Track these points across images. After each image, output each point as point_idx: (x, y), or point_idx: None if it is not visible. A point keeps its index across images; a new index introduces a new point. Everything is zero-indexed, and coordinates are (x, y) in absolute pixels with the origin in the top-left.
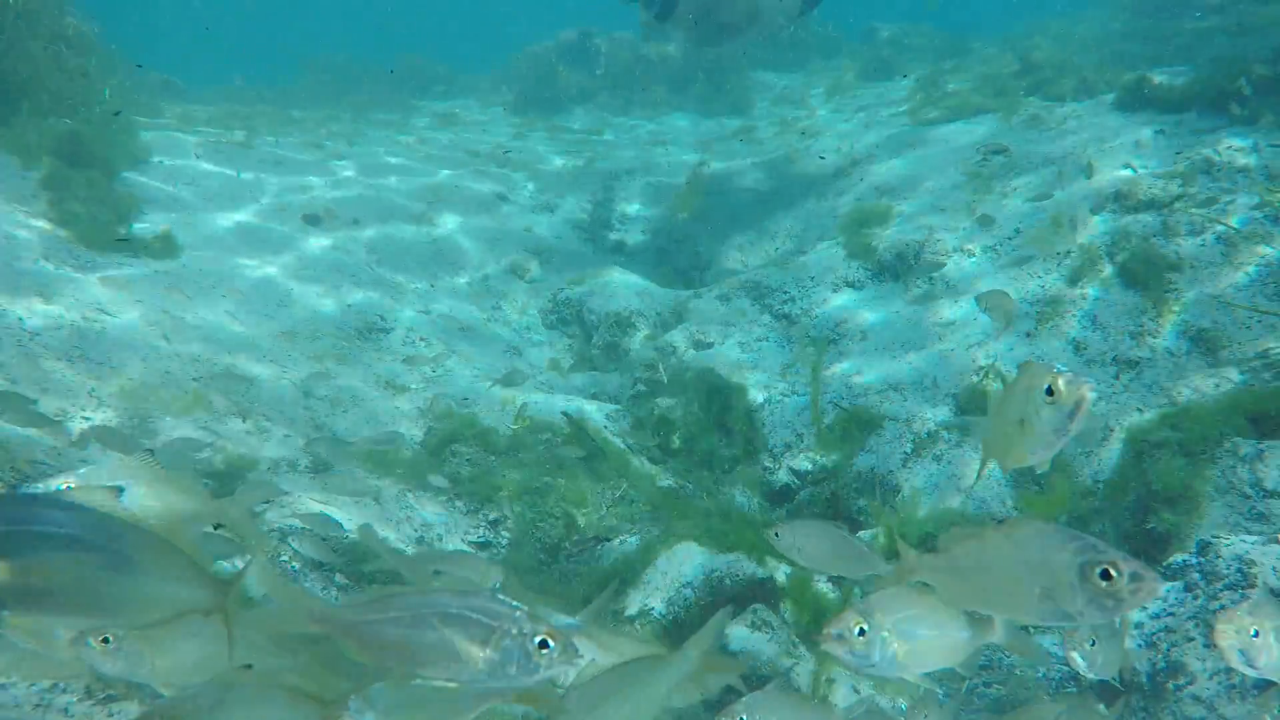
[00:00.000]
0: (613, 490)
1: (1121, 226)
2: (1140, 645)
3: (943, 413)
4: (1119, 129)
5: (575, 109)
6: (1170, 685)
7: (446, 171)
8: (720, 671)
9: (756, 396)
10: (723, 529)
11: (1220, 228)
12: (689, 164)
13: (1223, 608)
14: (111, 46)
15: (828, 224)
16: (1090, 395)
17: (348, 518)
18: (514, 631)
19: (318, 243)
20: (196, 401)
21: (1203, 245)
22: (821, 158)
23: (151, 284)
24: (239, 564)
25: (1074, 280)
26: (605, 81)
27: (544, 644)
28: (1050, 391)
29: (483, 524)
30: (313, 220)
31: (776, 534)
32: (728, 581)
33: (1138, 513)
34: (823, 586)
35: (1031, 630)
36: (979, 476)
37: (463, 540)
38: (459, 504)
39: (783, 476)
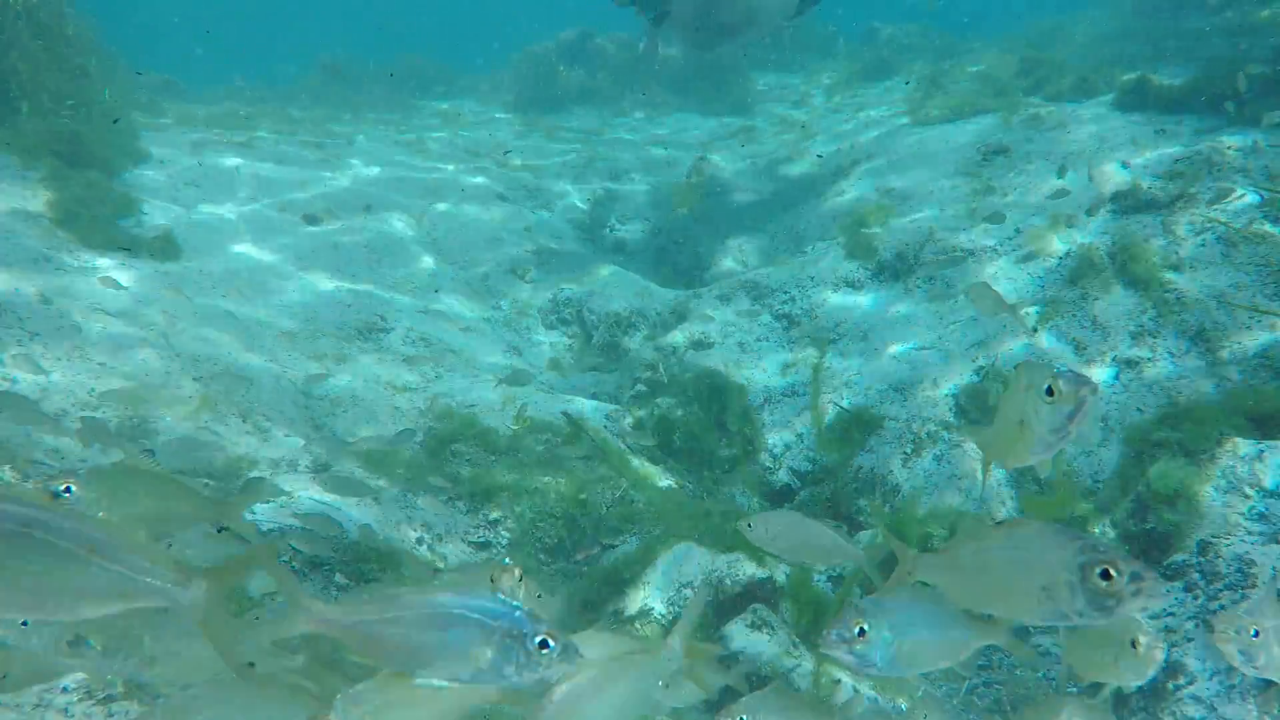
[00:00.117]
0: (613, 490)
1: (1121, 226)
2: None
3: (943, 412)
4: (1119, 129)
5: (575, 109)
6: (1170, 685)
7: (446, 171)
8: (703, 657)
9: (756, 396)
10: (723, 529)
11: (1221, 227)
12: (690, 163)
13: (1223, 608)
14: (112, 47)
15: (828, 223)
16: (1090, 395)
17: (348, 518)
18: (514, 631)
19: (317, 243)
20: (204, 405)
21: (1203, 245)
22: (818, 156)
23: (151, 284)
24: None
25: (1074, 280)
26: (605, 81)
27: (544, 644)
28: (1050, 391)
29: (482, 524)
30: (312, 220)
31: (749, 525)
32: (728, 581)
33: (1138, 513)
34: (823, 586)
35: (1031, 630)
36: (984, 479)
37: (463, 540)
38: (459, 504)
39: (783, 476)
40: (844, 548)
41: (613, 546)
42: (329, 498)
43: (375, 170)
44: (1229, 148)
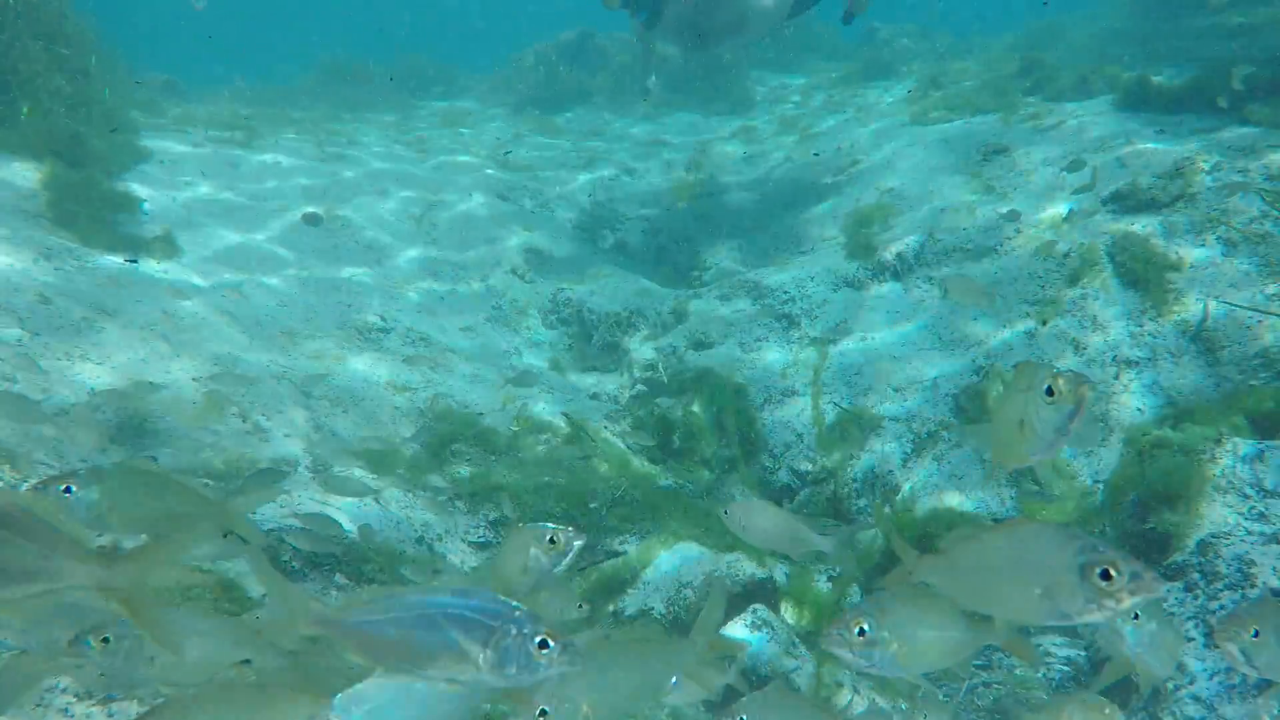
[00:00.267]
0: (613, 490)
1: (1121, 226)
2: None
3: (943, 412)
4: (1119, 129)
5: (575, 109)
6: (1170, 685)
7: (445, 170)
8: (730, 653)
9: (756, 396)
10: (722, 529)
11: (1221, 227)
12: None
13: (1223, 608)
14: (112, 47)
15: (828, 224)
16: (1090, 395)
17: (348, 518)
18: (514, 631)
19: (316, 243)
20: (211, 407)
21: (1203, 245)
22: (815, 154)
23: (151, 284)
24: (237, 564)
25: (1074, 280)
26: (605, 81)
27: (544, 644)
28: (1050, 391)
29: (482, 524)
30: (312, 220)
31: (726, 512)
32: (728, 582)
33: (1138, 513)
34: (823, 587)
35: (1031, 631)
36: (990, 480)
37: (463, 540)
38: (459, 504)
39: (783, 476)
40: (812, 538)
41: (619, 554)
42: (330, 498)
43: (374, 170)
44: (1230, 148)
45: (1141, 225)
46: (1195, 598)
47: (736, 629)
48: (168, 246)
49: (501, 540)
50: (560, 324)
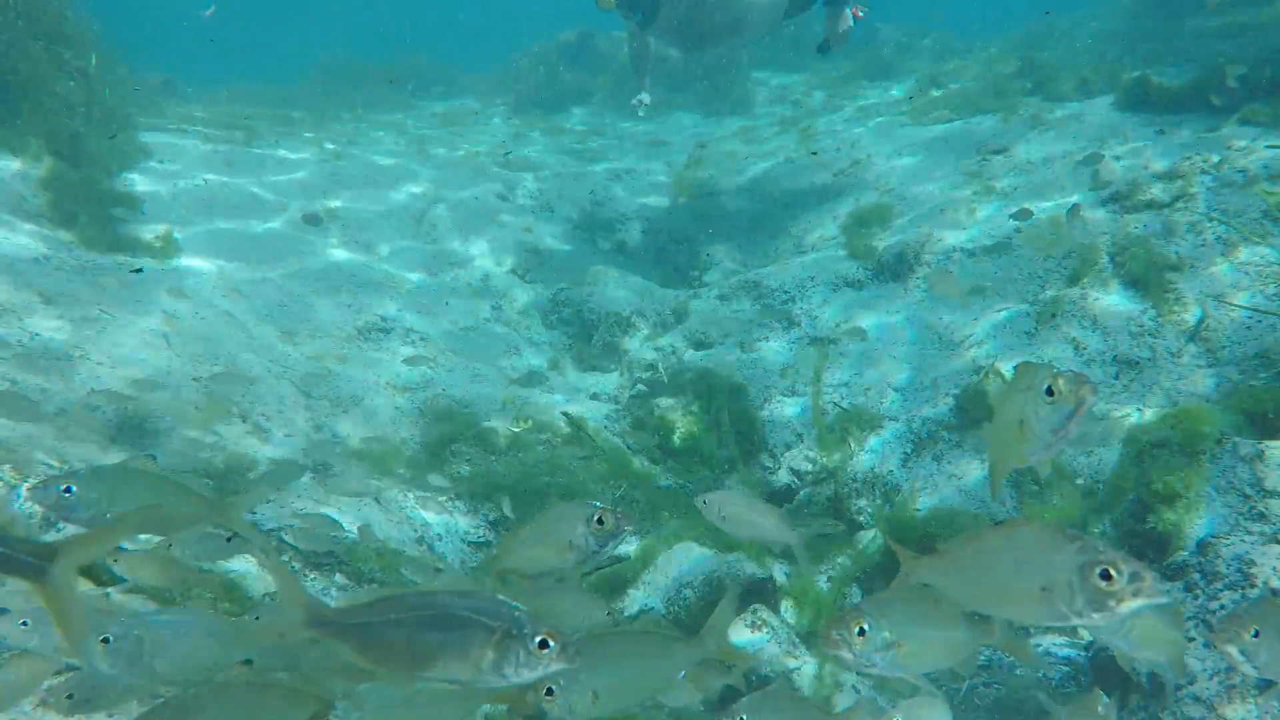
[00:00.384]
0: (613, 490)
1: (1121, 226)
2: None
3: (943, 412)
4: (1119, 129)
5: (575, 109)
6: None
7: (445, 170)
8: (736, 660)
9: (756, 396)
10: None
11: (1221, 227)
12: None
13: (1223, 608)
14: (114, 48)
15: (828, 224)
16: (1090, 395)
17: (348, 518)
18: (514, 631)
19: (316, 242)
20: (215, 410)
21: (1203, 245)
22: (813, 154)
23: (151, 284)
24: (237, 565)
25: (1073, 280)
26: (605, 81)
27: (544, 644)
28: (1050, 391)
29: (482, 524)
30: (312, 220)
31: (704, 502)
32: (727, 581)
33: (1138, 513)
34: (823, 587)
35: (1031, 631)
36: (993, 483)
37: (463, 540)
38: (459, 504)
39: (783, 476)
40: (783, 531)
41: (622, 560)
42: (328, 498)
43: (374, 170)
44: (1230, 147)
45: (1142, 225)
46: (1195, 598)
47: (737, 628)
48: (167, 246)
49: (537, 517)
50: (560, 324)
